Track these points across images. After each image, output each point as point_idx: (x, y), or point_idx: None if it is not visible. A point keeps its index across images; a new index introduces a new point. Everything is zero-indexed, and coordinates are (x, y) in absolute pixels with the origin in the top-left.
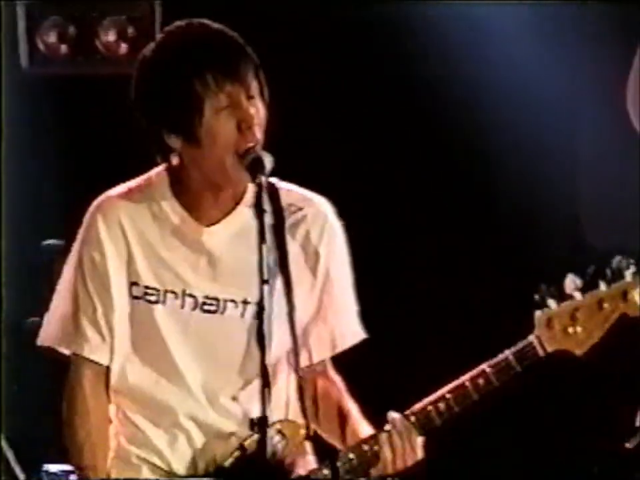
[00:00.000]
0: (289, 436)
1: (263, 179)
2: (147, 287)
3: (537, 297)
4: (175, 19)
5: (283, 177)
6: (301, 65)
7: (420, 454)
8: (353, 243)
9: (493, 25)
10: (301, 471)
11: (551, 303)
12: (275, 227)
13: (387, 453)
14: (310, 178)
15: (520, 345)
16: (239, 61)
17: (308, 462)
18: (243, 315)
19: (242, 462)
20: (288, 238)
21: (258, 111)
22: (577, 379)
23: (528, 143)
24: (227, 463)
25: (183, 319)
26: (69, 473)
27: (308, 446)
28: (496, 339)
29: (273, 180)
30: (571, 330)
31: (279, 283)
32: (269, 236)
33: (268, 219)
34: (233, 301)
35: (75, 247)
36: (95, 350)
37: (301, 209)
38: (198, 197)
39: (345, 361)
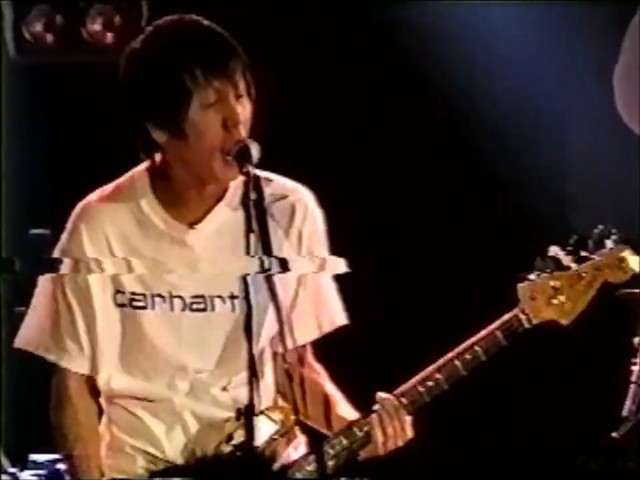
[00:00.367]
0: (279, 421)
1: (250, 168)
2: (132, 293)
3: (520, 270)
4: (161, 9)
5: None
6: (301, 65)
7: (410, 433)
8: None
9: (492, 23)
10: (293, 456)
11: (533, 276)
12: (259, 216)
13: (378, 433)
14: (310, 178)
15: (505, 318)
16: (229, 58)
17: (299, 446)
18: (233, 309)
19: (233, 450)
20: (272, 225)
21: (245, 109)
22: (565, 365)
23: (525, 144)
24: (219, 452)
25: (174, 321)
26: (55, 462)
27: (298, 430)
28: (483, 315)
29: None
30: (555, 301)
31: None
32: (254, 226)
33: (252, 209)
34: (219, 297)
35: (56, 253)
36: (73, 360)
37: (284, 197)
38: (180, 196)
39: (327, 344)
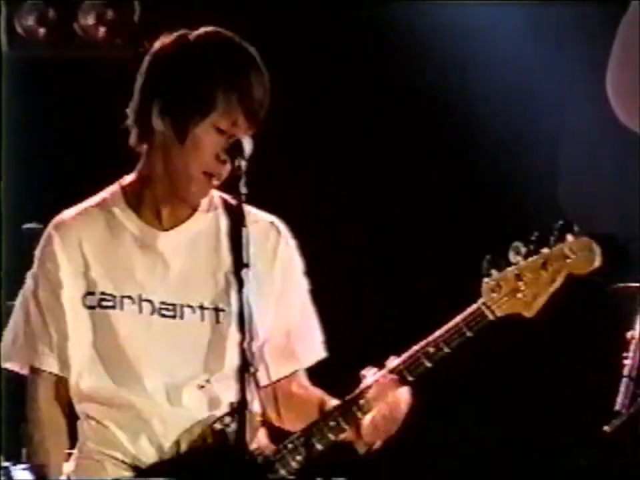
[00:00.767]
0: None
1: (243, 162)
2: (102, 294)
3: (483, 266)
4: (153, 4)
5: (283, 177)
6: (301, 65)
7: (405, 407)
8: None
9: (492, 23)
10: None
11: (494, 271)
12: (235, 228)
13: (374, 404)
14: (310, 178)
15: (468, 311)
16: (264, 102)
17: (263, 443)
18: (202, 319)
19: (204, 452)
20: (247, 239)
21: (248, 145)
22: (557, 360)
23: (525, 143)
24: (190, 453)
25: (143, 323)
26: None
27: (262, 432)
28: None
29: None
30: (518, 294)
31: (237, 285)
32: (229, 238)
33: (228, 222)
34: (189, 306)
35: (32, 268)
36: (44, 360)
37: (257, 221)
38: (154, 207)
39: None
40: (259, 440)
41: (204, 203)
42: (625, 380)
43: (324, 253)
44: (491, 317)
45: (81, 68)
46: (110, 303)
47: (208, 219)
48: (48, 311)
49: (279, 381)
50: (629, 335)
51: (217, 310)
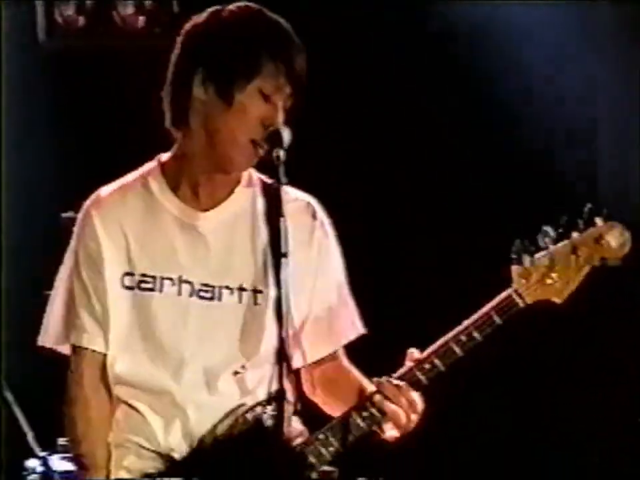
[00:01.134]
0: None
1: (281, 152)
2: (143, 275)
3: (513, 252)
4: None
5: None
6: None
7: (420, 405)
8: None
9: (492, 24)
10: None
11: (526, 257)
12: (274, 209)
13: (389, 406)
14: (310, 178)
15: (499, 298)
16: (304, 76)
17: (298, 432)
18: (240, 300)
19: (239, 442)
20: (285, 221)
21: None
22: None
23: (537, 143)
24: (225, 443)
25: (181, 306)
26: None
27: (295, 420)
28: (479, 298)
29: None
30: (548, 280)
31: (274, 268)
32: (267, 221)
33: (265, 203)
34: (228, 287)
35: (71, 245)
36: (93, 339)
37: (295, 199)
38: (192, 185)
39: None
40: (294, 428)
41: (243, 180)
42: None
43: None
44: (521, 303)
45: (119, 57)
46: (149, 285)
47: (246, 198)
48: (92, 289)
49: (318, 362)
50: None
51: (255, 291)
